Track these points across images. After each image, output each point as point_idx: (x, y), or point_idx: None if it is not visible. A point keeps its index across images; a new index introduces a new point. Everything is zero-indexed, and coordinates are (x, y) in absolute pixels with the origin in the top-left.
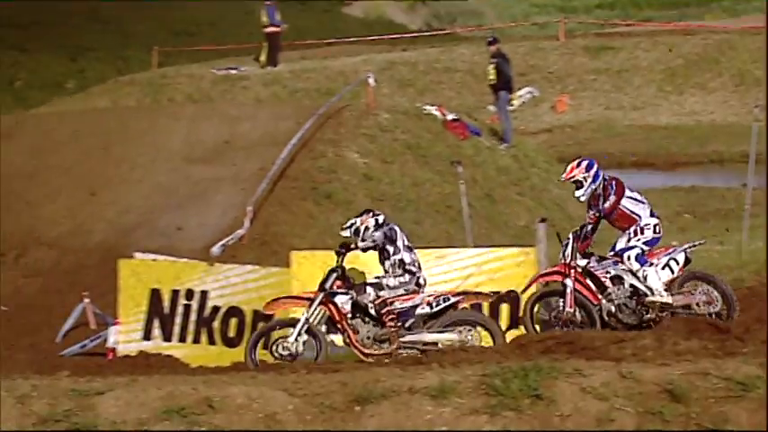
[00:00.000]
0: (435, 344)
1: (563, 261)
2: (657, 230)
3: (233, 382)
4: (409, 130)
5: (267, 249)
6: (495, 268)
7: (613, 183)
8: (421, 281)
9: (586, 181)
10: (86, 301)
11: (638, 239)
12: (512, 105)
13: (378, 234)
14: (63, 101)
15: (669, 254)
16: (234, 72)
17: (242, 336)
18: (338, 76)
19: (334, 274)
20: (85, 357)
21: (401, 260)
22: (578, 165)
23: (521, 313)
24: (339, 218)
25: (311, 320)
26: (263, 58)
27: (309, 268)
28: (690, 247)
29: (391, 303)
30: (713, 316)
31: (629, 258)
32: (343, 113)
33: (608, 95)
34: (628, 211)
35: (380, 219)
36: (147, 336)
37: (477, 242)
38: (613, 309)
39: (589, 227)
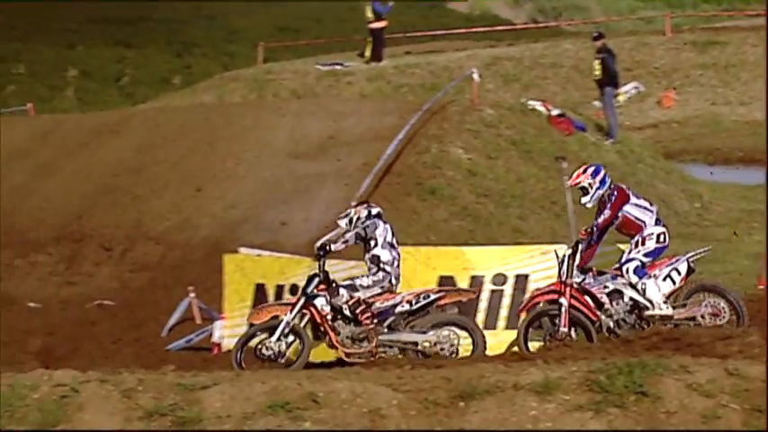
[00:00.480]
0: (415, 344)
1: (558, 279)
2: (661, 240)
3: (337, 377)
4: (514, 125)
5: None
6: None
7: (615, 193)
8: (393, 280)
9: (592, 187)
10: (192, 295)
11: (638, 251)
12: (617, 101)
13: (358, 227)
14: (169, 96)
15: (671, 264)
16: (338, 68)
17: None
18: (443, 72)
19: (316, 279)
20: (191, 352)
21: (377, 256)
22: (584, 171)
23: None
24: (443, 213)
25: (292, 322)
26: (367, 53)
27: (413, 264)
28: (692, 257)
29: (371, 303)
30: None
31: (627, 271)
32: (447, 109)
33: (714, 91)
34: (632, 218)
35: (373, 210)
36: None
37: None
38: (612, 324)
39: (583, 243)
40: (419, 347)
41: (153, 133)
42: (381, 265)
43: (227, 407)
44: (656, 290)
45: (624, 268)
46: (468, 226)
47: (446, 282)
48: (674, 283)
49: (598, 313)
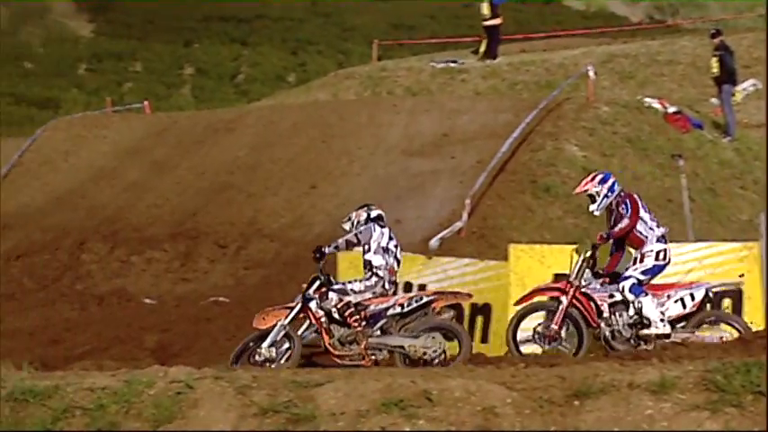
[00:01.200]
0: (402, 347)
1: (567, 279)
2: (661, 257)
3: (451, 375)
4: (629, 122)
5: (485, 242)
6: (716, 263)
7: (628, 202)
8: (387, 285)
9: (599, 195)
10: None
11: (636, 269)
12: (735, 98)
13: (351, 233)
14: (284, 94)
15: (689, 289)
16: (453, 65)
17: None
18: (558, 69)
19: (317, 282)
20: (306, 349)
21: (369, 261)
22: (592, 178)
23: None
24: (557, 211)
25: (287, 326)
26: (481, 50)
27: (527, 262)
28: (714, 287)
29: (365, 306)
30: None
31: (623, 289)
32: (562, 106)
33: None
34: (637, 233)
35: (372, 213)
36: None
37: (699, 236)
38: (608, 334)
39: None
40: (405, 351)
41: (267, 131)
42: (374, 270)
43: (340, 404)
44: (653, 308)
45: (621, 286)
46: (583, 224)
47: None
48: (684, 307)
49: (598, 320)
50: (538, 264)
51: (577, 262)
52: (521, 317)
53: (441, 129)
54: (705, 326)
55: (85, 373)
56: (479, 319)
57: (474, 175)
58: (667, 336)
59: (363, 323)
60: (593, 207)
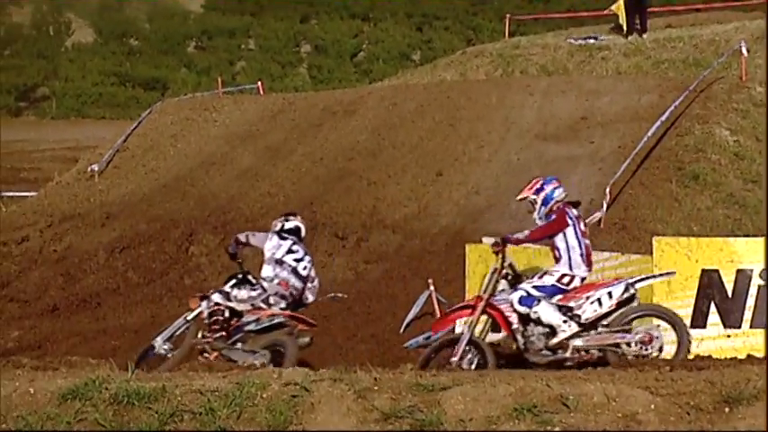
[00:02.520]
0: (235, 362)
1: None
2: (564, 281)
3: (589, 378)
4: None
5: (627, 234)
6: None
7: (553, 216)
8: (273, 299)
9: (536, 204)
10: (431, 288)
11: (531, 282)
12: None
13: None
14: (408, 73)
15: (608, 287)
16: (592, 41)
17: None
18: (707, 46)
19: (233, 280)
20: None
21: (262, 271)
22: (531, 186)
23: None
24: (706, 201)
25: (189, 321)
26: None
27: (673, 256)
28: (637, 281)
29: (240, 316)
30: (648, 357)
31: (512, 303)
32: (712, 87)
33: None
34: (556, 248)
35: (287, 225)
36: (496, 327)
37: None
38: (522, 346)
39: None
40: (240, 365)
41: (390, 113)
42: (260, 281)
43: (469, 409)
44: (551, 313)
45: (510, 299)
46: (735, 215)
47: (708, 275)
48: (600, 305)
49: (512, 331)
50: (684, 258)
51: (488, 274)
52: (437, 350)
53: (578, 111)
54: (634, 322)
55: (194, 375)
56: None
57: (615, 162)
58: (578, 334)
59: (221, 333)
60: (534, 215)
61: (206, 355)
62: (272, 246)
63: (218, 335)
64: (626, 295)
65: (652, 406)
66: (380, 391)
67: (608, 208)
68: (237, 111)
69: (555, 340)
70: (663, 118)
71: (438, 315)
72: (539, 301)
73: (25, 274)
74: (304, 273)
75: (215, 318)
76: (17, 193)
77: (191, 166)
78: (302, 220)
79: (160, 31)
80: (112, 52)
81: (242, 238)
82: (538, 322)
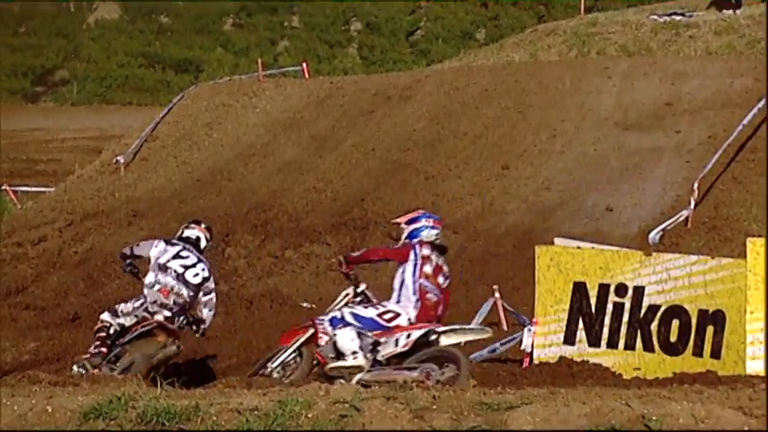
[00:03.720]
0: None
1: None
2: (386, 317)
3: (674, 397)
4: None
5: (717, 235)
6: None
7: (400, 247)
8: (153, 307)
9: (403, 233)
10: (497, 295)
11: (351, 308)
12: None
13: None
14: (472, 54)
15: (410, 330)
16: (678, 18)
17: (686, 341)
18: None
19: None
20: (495, 364)
21: (145, 279)
22: (409, 214)
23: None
24: None
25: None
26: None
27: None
28: (441, 331)
29: (126, 331)
30: None
31: (322, 321)
32: None
33: None
34: (394, 279)
35: (186, 232)
36: (569, 339)
37: None
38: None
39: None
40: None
41: (451, 99)
42: (143, 289)
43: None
44: (348, 341)
45: (323, 317)
46: None
47: None
48: (396, 345)
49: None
50: None
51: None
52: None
53: (663, 96)
54: (426, 361)
55: (231, 392)
56: (709, 330)
57: (704, 154)
58: (359, 368)
59: (100, 349)
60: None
61: (82, 371)
62: (158, 251)
63: (95, 351)
64: (425, 339)
65: (745, 428)
66: (439, 411)
67: (696, 206)
68: (280, 96)
69: (333, 364)
70: (759, 105)
71: (504, 325)
72: (345, 325)
73: (42, 279)
74: (194, 280)
75: (98, 335)
76: (33, 188)
77: (227, 157)
78: (207, 230)
79: (193, 7)
80: (140, 30)
81: (126, 251)
82: (334, 345)
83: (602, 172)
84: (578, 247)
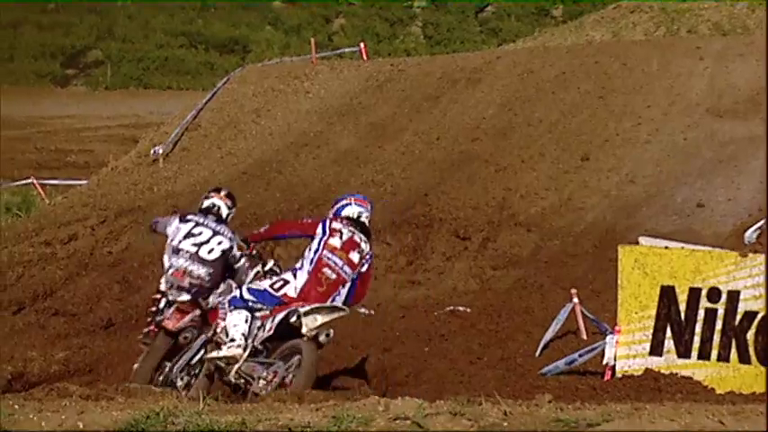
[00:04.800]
0: None
1: None
2: (276, 286)
3: None
4: None
5: None
6: None
7: (316, 221)
8: (170, 295)
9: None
10: (575, 301)
11: (251, 282)
12: None
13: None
14: (547, 33)
15: (279, 313)
16: None
17: None
18: None
19: None
20: (574, 377)
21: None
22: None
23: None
24: None
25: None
26: None
27: None
28: (305, 311)
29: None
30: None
31: (223, 304)
32: None
33: None
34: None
35: (205, 203)
36: (655, 349)
37: None
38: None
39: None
40: None
41: (525, 83)
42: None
43: None
44: (232, 325)
45: (224, 298)
46: None
47: None
48: (264, 329)
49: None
50: None
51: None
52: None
53: (761, 80)
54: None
55: (280, 406)
56: None
57: None
58: (233, 358)
59: (150, 327)
60: None
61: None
62: (171, 231)
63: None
64: (287, 320)
65: None
66: (512, 428)
67: None
68: (335, 80)
69: (212, 354)
70: None
71: (584, 333)
72: (243, 305)
73: (73, 282)
74: (211, 257)
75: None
76: (63, 182)
77: (277, 147)
78: (228, 197)
79: None
80: (181, 7)
81: (152, 225)
82: (225, 330)
83: (693, 163)
84: (666, 247)
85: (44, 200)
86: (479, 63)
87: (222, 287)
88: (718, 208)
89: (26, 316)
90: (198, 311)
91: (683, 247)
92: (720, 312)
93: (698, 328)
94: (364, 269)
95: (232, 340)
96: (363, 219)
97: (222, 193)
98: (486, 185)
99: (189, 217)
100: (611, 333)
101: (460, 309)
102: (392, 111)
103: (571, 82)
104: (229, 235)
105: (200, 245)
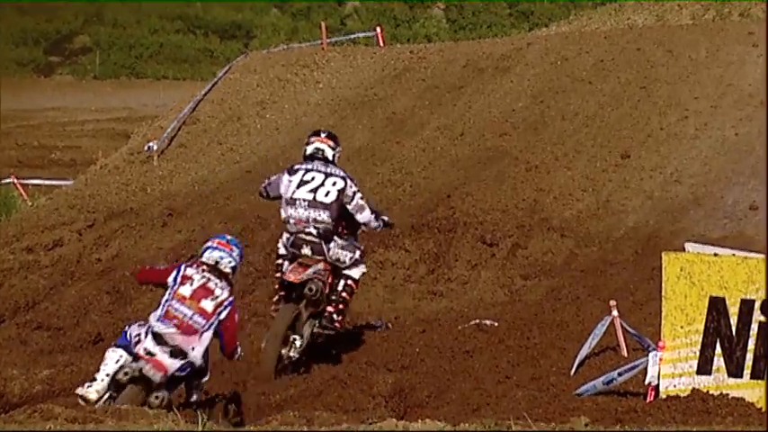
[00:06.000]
0: None
1: None
2: (132, 334)
3: None
4: None
5: None
6: None
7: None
8: (293, 246)
9: None
10: (614, 313)
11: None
12: None
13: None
14: (584, 16)
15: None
16: None
17: None
18: None
19: None
20: (613, 398)
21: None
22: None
23: None
24: None
25: None
26: None
27: None
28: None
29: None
30: None
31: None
32: None
33: None
34: None
35: (308, 149)
36: (703, 368)
37: None
38: None
39: None
40: None
41: (558, 72)
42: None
43: None
44: (104, 361)
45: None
46: None
47: None
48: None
49: None
50: None
51: None
52: None
53: None
54: None
55: (289, 430)
56: None
57: None
58: (84, 399)
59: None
60: None
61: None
62: (284, 187)
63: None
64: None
65: None
66: None
67: None
68: (348, 68)
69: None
70: None
71: (624, 350)
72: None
73: (58, 292)
74: (328, 199)
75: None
76: (47, 181)
77: (284, 143)
78: (330, 137)
79: None
80: None
81: (262, 192)
82: None
83: (746, 162)
84: (715, 255)
85: (26, 201)
86: (508, 50)
87: (344, 241)
88: None
89: (6, 330)
90: (320, 265)
91: (734, 254)
92: None
93: (751, 344)
94: (223, 317)
95: (92, 380)
96: (222, 266)
97: (323, 136)
98: (516, 186)
99: (296, 167)
100: (655, 349)
101: (487, 322)
102: (411, 103)
103: (610, 71)
104: (341, 174)
105: (315, 190)
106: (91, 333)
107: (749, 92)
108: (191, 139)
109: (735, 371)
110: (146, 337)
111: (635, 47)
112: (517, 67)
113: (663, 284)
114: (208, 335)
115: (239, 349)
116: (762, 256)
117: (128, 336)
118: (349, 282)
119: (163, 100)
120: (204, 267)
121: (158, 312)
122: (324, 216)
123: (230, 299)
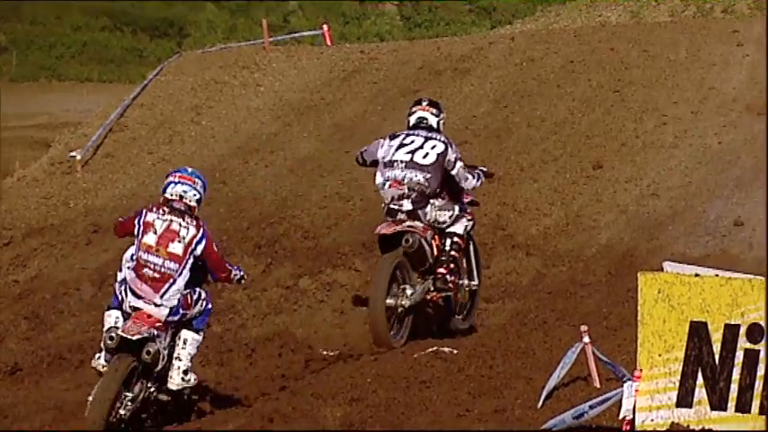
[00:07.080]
0: None
1: None
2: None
3: None
4: None
5: None
6: None
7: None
8: (391, 206)
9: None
10: (585, 340)
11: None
12: None
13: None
14: (550, 13)
15: None
16: None
17: None
18: None
19: None
20: None
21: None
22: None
23: None
24: None
25: None
26: None
27: None
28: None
29: None
30: None
31: None
32: None
33: None
34: None
35: (411, 120)
36: (683, 399)
37: None
38: None
39: None
40: None
41: (523, 74)
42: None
43: None
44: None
45: None
46: None
47: None
48: None
49: None
50: None
51: None
52: None
53: None
54: None
55: None
56: None
57: None
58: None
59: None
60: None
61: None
62: (383, 151)
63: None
64: None
65: None
66: None
67: None
68: (292, 70)
69: None
70: None
71: (596, 380)
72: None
73: None
74: (426, 161)
75: None
76: None
77: (221, 153)
78: (432, 105)
79: None
80: None
81: (359, 158)
82: None
83: (730, 173)
84: (696, 275)
85: None
86: (468, 50)
87: (441, 201)
88: (759, 227)
89: None
90: (417, 223)
91: (717, 275)
92: (762, 354)
93: (735, 374)
94: (198, 252)
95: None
96: (187, 200)
97: (424, 104)
98: (477, 199)
99: (398, 132)
100: (630, 379)
101: (446, 350)
102: (362, 108)
103: (580, 73)
104: (443, 139)
105: (413, 151)
106: (7, 363)
107: (733, 96)
108: (118, 148)
109: (718, 403)
110: (126, 294)
111: (608, 46)
112: (478, 68)
113: (639, 308)
114: (185, 273)
115: (236, 270)
116: (747, 276)
117: (117, 294)
118: (455, 239)
119: (87, 104)
120: (164, 209)
121: (130, 264)
122: (420, 177)
123: (199, 233)
